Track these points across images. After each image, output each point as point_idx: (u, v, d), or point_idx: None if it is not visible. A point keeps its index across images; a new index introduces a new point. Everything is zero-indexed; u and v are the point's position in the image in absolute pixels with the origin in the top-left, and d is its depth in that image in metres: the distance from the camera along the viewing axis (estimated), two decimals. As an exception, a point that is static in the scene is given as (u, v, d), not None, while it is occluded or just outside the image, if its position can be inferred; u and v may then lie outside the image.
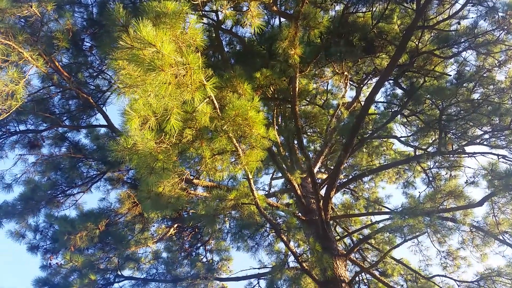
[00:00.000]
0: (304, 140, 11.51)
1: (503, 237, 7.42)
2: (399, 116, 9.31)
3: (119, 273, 8.22)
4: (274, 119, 9.49)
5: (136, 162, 4.25)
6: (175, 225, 9.29)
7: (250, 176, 6.15)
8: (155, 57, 3.09)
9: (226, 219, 9.40)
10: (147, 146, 4.16)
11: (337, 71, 9.37)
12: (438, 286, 8.90)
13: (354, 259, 9.34)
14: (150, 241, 8.69)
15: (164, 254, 9.39)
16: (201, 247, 10.31)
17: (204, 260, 10.03)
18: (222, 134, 4.96)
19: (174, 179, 5.55)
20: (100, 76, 8.27)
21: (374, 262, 9.52)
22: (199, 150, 5.37)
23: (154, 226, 9.44)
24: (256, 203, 6.27)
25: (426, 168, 9.59)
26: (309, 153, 11.51)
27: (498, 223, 7.27)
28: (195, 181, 7.42)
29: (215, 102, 4.41)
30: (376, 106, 10.30)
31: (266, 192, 11.20)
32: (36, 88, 7.37)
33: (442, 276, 9.18)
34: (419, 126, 9.15)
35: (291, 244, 8.57)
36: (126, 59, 3.39)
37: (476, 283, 8.51)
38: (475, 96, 8.18)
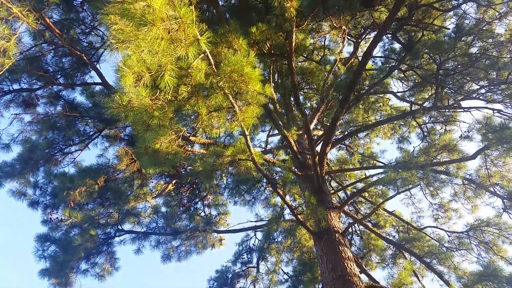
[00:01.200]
0: (301, 97, 11.47)
1: (494, 189, 7.63)
2: (396, 71, 9.24)
3: (120, 227, 8.47)
4: (271, 75, 9.40)
5: (132, 119, 4.26)
6: (174, 181, 9.46)
7: (247, 133, 6.20)
8: (146, 11, 3.02)
9: (223, 175, 9.57)
10: (142, 103, 4.16)
11: (334, 25, 9.17)
12: (429, 236, 9.23)
13: (348, 211, 9.63)
14: (149, 196, 8.88)
15: (163, 209, 9.62)
16: (199, 202, 10.56)
17: (203, 214, 10.31)
18: (218, 91, 4.94)
19: (171, 136, 5.59)
20: (92, 33, 8.09)
21: (367, 214, 9.80)
22: (195, 107, 5.36)
23: (152, 182, 9.60)
24: (252, 159, 6.36)
25: (421, 123, 9.65)
26: (306, 110, 11.51)
27: (490, 175, 7.44)
28: (192, 138, 7.47)
29: (210, 58, 4.35)
30: (373, 62, 10.19)
31: (263, 149, 11.31)
32: (28, 46, 7.22)
33: (433, 227, 9.52)
34: (416, 81, 9.10)
35: (287, 198, 8.79)
36: (117, 13, 3.32)
37: (465, 233, 8.84)
38: (473, 50, 8.09)
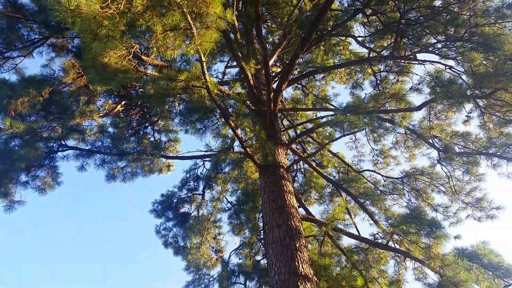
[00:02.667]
0: (263, 30, 11.17)
1: (432, 141, 8.12)
2: (360, 14, 9.16)
3: (63, 143, 8.20)
4: (235, 1, 8.99)
5: (80, 26, 3.96)
6: (123, 102, 9.15)
7: (203, 59, 6.00)
8: None
9: (176, 101, 9.38)
10: (92, 9, 3.85)
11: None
12: (366, 179, 9.84)
13: (295, 149, 9.94)
14: (96, 115, 8.57)
15: (111, 129, 9.35)
16: (149, 127, 10.38)
17: (152, 139, 10.19)
18: (176, 9, 4.67)
19: (122, 51, 5.30)
20: None
21: (312, 152, 10.18)
22: (150, 23, 5.05)
23: (100, 100, 9.22)
24: (207, 87, 6.23)
25: (376, 71, 9.85)
26: (267, 45, 11.29)
27: (431, 127, 7.88)
28: (144, 58, 7.13)
29: (169, -31, 4.04)
30: (340, 2, 10.01)
31: (219, 80, 11.12)
32: None
33: (372, 171, 10.13)
34: (378, 27, 9.12)
35: (238, 131, 8.86)
36: None
37: (400, 179, 9.50)
38: (437, 3, 8.14)
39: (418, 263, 7.22)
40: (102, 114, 9.03)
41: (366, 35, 9.46)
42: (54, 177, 8.50)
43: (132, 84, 8.77)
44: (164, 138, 10.49)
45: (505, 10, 6.98)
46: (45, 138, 8.07)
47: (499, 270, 7.17)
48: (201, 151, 9.61)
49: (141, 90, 9.18)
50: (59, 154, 8.45)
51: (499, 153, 7.30)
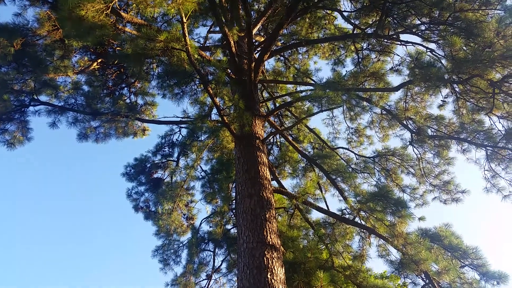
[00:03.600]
0: (249, -3, 10.91)
1: (406, 122, 8.26)
2: (348, -11, 9.04)
3: (35, 97, 7.92)
4: (221, -37, 8.70)
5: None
6: (99, 60, 8.86)
7: (185, 20, 5.83)
8: None
9: (154, 64, 9.15)
10: (67, -46, 3.64)
11: None
12: (340, 156, 9.98)
13: (273, 122, 9.93)
14: (71, 71, 8.28)
15: (85, 88, 9.09)
16: (126, 88, 10.12)
17: (128, 101, 9.96)
18: (158, -37, 4.48)
19: (100, 4, 5.07)
20: None
21: (290, 126, 10.21)
22: (130, -24, 4.84)
23: (76, 56, 8.90)
24: (187, 50, 6.08)
25: (358, 49, 9.83)
26: (252, 12, 11.04)
27: (407, 109, 8.00)
28: (123, 14, 6.86)
29: None
30: (329, -26, 9.81)
31: (201, 45, 10.86)
32: None
33: (346, 149, 10.29)
34: (365, 3, 9.04)
35: (217, 99, 8.74)
36: None
37: (372, 159, 9.68)
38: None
39: (382, 240, 7.47)
40: (77, 71, 8.73)
41: (352, 10, 9.38)
42: (24, 132, 8.26)
43: (110, 42, 8.48)
44: (140, 101, 10.28)
45: (489, -3, 7.02)
46: (16, 91, 7.76)
47: (458, 251, 7.51)
48: (178, 117, 9.47)
49: (118, 49, 8.89)
50: (31, 108, 8.19)
51: (469, 139, 7.51)
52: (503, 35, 5.99)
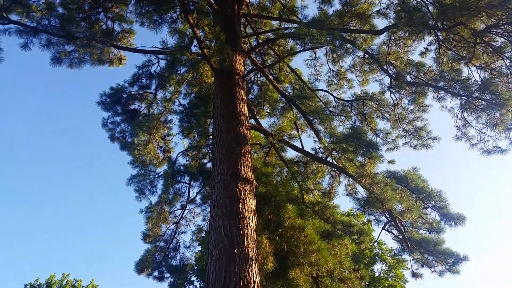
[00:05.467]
0: None
1: (387, 67, 8.28)
2: None
3: (5, 15, 7.46)
4: None
5: None
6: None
7: None
8: None
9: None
10: None
11: None
12: (319, 98, 10.04)
13: (254, 59, 9.77)
14: (43, -11, 7.75)
15: (60, 10, 8.56)
16: (102, 13, 9.60)
17: (104, 27, 9.51)
18: None
19: None
20: None
21: (271, 63, 10.08)
22: None
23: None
24: (167, -28, 5.78)
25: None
26: None
27: (389, 53, 7.98)
28: None
29: None
30: None
31: (183, -29, 10.24)
32: None
33: (325, 91, 10.31)
34: None
35: (197, 30, 8.43)
36: None
37: (350, 102, 9.77)
38: None
39: (351, 179, 7.79)
40: (49, -11, 8.18)
41: None
42: (-5, 52, 7.85)
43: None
44: (117, 28, 9.82)
45: None
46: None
47: (422, 193, 7.92)
48: (157, 47, 9.14)
49: (95, -32, 8.32)
50: (0, 27, 7.71)
51: (446, 87, 7.64)
52: (492, -17, 5.91)
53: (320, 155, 7.51)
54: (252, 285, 4.57)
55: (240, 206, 5.39)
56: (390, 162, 8.68)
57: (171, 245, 9.91)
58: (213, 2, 8.54)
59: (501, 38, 6.90)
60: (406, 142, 9.34)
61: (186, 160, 10.41)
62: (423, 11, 6.67)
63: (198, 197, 9.96)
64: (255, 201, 5.88)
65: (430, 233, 7.56)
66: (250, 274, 4.66)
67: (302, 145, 8.55)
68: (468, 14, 6.17)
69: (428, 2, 7.78)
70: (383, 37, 7.86)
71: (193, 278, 18.96)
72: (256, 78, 11.22)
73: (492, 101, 7.20)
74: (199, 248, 14.50)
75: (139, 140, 10.28)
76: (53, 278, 24.61)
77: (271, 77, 10.37)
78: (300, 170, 8.07)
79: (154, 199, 9.98)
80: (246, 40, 10.69)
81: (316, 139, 9.36)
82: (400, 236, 7.50)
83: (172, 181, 9.79)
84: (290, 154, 11.08)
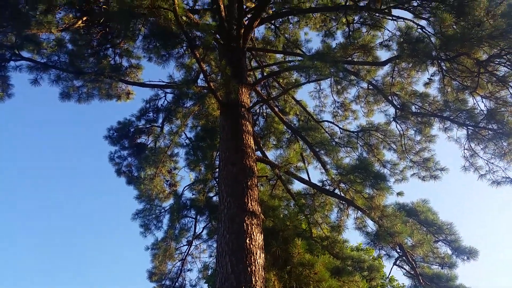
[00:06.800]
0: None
1: (392, 98, 8.31)
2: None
3: (17, 52, 7.67)
4: None
5: None
6: (84, 18, 8.55)
7: (173, -21, 5.66)
8: None
9: (141, 24, 8.89)
10: None
11: None
12: (324, 130, 10.04)
13: (259, 91, 9.87)
14: (54, 28, 7.97)
15: (69, 46, 8.80)
16: (110, 49, 9.85)
17: (112, 62, 9.72)
18: None
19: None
20: None
21: (276, 95, 10.16)
22: None
23: (60, 13, 8.56)
24: (174, 10, 5.96)
25: (350, 22, 9.71)
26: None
27: (393, 84, 8.01)
28: (110, -31, 6.61)
29: None
30: None
31: (190, 8, 10.56)
32: None
33: (331, 122, 10.34)
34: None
35: (203, 64, 8.56)
36: None
37: (355, 133, 9.76)
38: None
39: (360, 212, 7.64)
40: (61, 28, 8.42)
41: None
42: (5, 88, 8.03)
43: (95, -1, 8.19)
44: (125, 63, 10.04)
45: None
46: (-3, 44, 7.49)
47: (433, 226, 7.73)
48: (164, 81, 9.30)
49: (104, 7, 8.59)
50: (12, 63, 7.93)
51: (452, 117, 7.61)
52: (492, 14, 5.98)
53: (327, 187, 7.42)
54: (260, 325, 4.40)
55: (247, 241, 5.28)
56: (399, 194, 8.56)
57: (176, 284, 9.68)
58: (219, 37, 8.73)
59: (505, 68, 6.93)
60: (414, 173, 9.24)
61: (193, 194, 10.32)
62: (426, 42, 6.76)
63: (205, 232, 9.81)
64: (262, 235, 5.75)
65: (442, 268, 7.31)
66: (258, 313, 4.50)
67: (309, 177, 8.50)
68: (470, 45, 6.22)
69: (430, 33, 7.90)
70: (386, 68, 7.96)
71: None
72: (261, 110, 11.31)
73: (499, 130, 7.14)
74: (205, 286, 14.16)
75: (145, 174, 10.27)
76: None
77: (276, 109, 10.45)
78: (307, 203, 7.95)
79: (159, 234, 9.84)
80: (251, 73, 10.85)
81: (323, 170, 9.29)
82: (412, 272, 7.25)
83: (178, 215, 9.68)
84: (297, 186, 10.99)
